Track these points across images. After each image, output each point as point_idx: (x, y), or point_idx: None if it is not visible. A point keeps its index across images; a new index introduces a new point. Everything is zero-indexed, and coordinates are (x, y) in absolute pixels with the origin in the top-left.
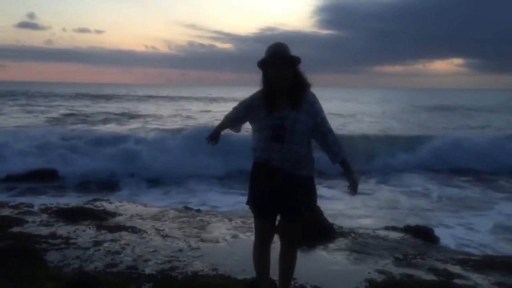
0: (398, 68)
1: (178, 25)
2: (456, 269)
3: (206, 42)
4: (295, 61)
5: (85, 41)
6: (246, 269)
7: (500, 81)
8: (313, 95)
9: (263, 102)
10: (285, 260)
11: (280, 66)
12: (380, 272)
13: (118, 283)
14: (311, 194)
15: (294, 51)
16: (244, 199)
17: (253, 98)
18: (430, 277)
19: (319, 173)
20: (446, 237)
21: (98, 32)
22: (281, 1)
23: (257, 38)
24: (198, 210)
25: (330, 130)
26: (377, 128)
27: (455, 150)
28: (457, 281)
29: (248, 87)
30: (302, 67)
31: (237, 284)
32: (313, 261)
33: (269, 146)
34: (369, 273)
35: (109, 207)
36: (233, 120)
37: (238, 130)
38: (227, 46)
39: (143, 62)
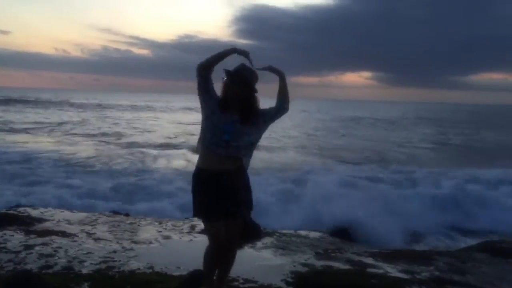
0: (312, 79)
1: (92, 28)
2: (369, 260)
3: (122, 47)
4: (254, 85)
5: None
6: (181, 267)
7: (403, 93)
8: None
9: (220, 104)
10: (227, 259)
11: (241, 89)
12: (303, 265)
13: (58, 282)
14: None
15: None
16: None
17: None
18: (347, 267)
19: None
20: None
21: (4, 32)
22: (199, 9)
23: (175, 45)
24: (127, 214)
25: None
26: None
27: None
28: (370, 269)
29: (166, 94)
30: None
31: (173, 280)
32: (243, 258)
33: (222, 145)
34: (294, 266)
35: (33, 213)
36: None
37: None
38: (144, 52)
39: (53, 66)
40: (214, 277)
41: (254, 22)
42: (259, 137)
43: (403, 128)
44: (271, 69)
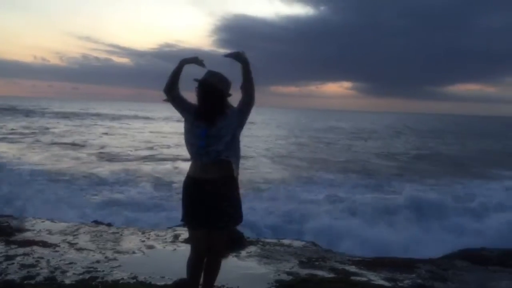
0: (292, 89)
1: (72, 36)
2: (352, 268)
3: (102, 55)
4: (221, 93)
5: None
6: (165, 276)
7: (383, 103)
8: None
9: (195, 111)
10: (211, 269)
11: (208, 94)
12: (288, 273)
13: None
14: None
15: (192, 69)
16: None
17: (190, 104)
18: (331, 275)
19: None
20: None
21: None
22: (180, 18)
23: (156, 54)
24: (109, 224)
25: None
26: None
27: None
28: (353, 278)
29: (146, 103)
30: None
31: None
32: (228, 267)
33: (201, 152)
34: (278, 275)
35: (13, 222)
36: (175, 88)
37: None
38: (124, 60)
39: (31, 74)
40: (200, 286)
41: (234, 32)
42: (235, 135)
43: (382, 138)
44: (236, 55)
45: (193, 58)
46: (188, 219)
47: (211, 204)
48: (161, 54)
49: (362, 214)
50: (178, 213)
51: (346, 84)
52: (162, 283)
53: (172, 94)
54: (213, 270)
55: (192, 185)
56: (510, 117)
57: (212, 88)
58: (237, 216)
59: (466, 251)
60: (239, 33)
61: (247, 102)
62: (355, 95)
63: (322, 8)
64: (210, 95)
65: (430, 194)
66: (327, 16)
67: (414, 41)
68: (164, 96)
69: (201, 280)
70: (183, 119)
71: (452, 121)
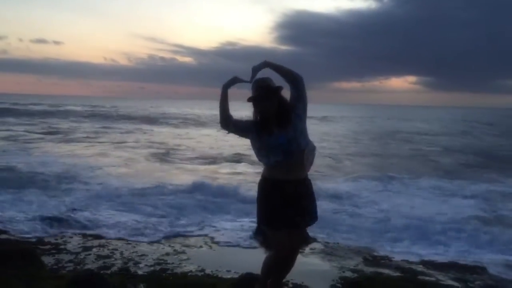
0: (355, 85)
1: (138, 37)
2: (420, 268)
3: (167, 55)
4: (277, 90)
5: (41, 52)
6: (231, 270)
7: (450, 98)
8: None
9: (262, 128)
10: (287, 264)
11: (265, 98)
12: (352, 271)
13: (115, 282)
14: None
15: (254, 65)
16: None
17: (248, 124)
18: (397, 274)
19: None
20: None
21: (56, 43)
22: (241, 16)
23: (218, 52)
24: None
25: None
26: None
27: None
28: (421, 277)
29: (208, 100)
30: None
31: (224, 282)
32: None
33: (283, 163)
34: (343, 272)
35: (89, 216)
36: (229, 117)
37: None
38: (187, 59)
39: (102, 74)
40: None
41: (295, 28)
42: (303, 123)
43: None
44: (263, 65)
45: (232, 80)
46: (269, 221)
47: (292, 203)
48: (223, 53)
49: None
50: None
51: (411, 79)
52: (229, 276)
53: (229, 126)
54: (289, 267)
55: (272, 185)
56: None
57: (266, 90)
58: (315, 213)
59: None
60: (300, 29)
61: (296, 84)
62: (420, 90)
63: (385, 1)
64: (267, 99)
65: None
66: (390, 9)
67: (480, 33)
68: (224, 130)
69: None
70: None
71: None
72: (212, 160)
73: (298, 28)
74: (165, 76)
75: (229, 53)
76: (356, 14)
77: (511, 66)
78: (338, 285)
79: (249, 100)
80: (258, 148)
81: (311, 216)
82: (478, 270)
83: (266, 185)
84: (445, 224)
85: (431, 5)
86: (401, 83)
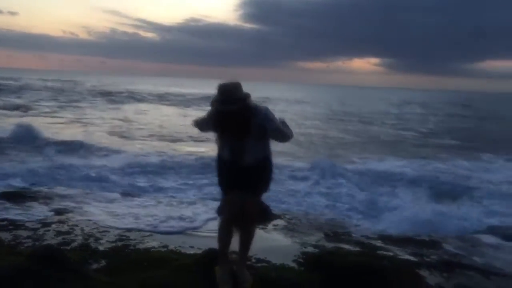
0: (319, 65)
1: (99, 10)
2: (378, 243)
3: (129, 30)
4: (243, 100)
5: None
6: (194, 246)
7: (411, 80)
8: (261, 113)
9: (215, 127)
10: (244, 239)
11: (229, 103)
12: (314, 246)
13: (76, 258)
14: (269, 174)
15: (218, 43)
16: None
17: (208, 119)
18: (357, 249)
19: None
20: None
21: (12, 13)
22: None
23: (182, 28)
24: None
25: (281, 133)
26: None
27: None
28: (380, 252)
29: (172, 77)
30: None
31: (188, 258)
32: (255, 239)
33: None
34: (304, 247)
35: (50, 191)
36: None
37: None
38: (150, 35)
39: (60, 48)
40: (233, 256)
41: (260, 6)
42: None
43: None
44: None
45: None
46: (222, 183)
47: (247, 175)
48: (187, 29)
49: None
50: None
51: (374, 60)
52: (192, 252)
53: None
54: (247, 240)
55: (229, 162)
56: None
57: (226, 96)
58: (269, 181)
59: (496, 228)
60: (265, 8)
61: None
62: (383, 71)
63: None
64: (225, 105)
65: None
66: None
67: (446, 16)
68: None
69: (237, 251)
70: None
71: (487, 100)
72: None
73: (263, 6)
74: (127, 52)
75: (193, 30)
76: None
77: (470, 51)
78: (300, 260)
79: (213, 103)
80: (219, 146)
81: (264, 181)
82: (433, 244)
83: (222, 161)
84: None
85: None
86: (364, 64)
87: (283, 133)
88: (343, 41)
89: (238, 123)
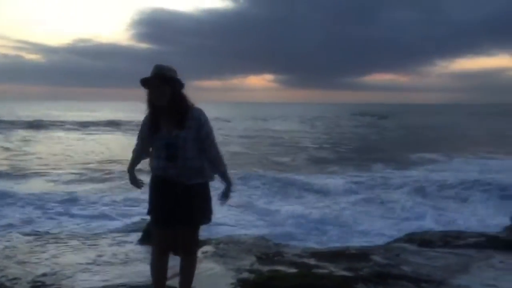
0: (216, 83)
1: None
2: (312, 261)
3: (10, 52)
4: (172, 81)
5: None
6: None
7: (305, 95)
8: (199, 110)
9: (151, 123)
10: (185, 268)
11: (157, 85)
12: (249, 271)
13: None
14: (207, 201)
15: (110, 64)
16: None
17: (143, 124)
18: (293, 270)
19: None
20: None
21: None
22: (95, 12)
23: (70, 49)
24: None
25: (212, 145)
26: None
27: None
28: (315, 270)
29: (62, 101)
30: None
31: None
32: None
33: (165, 165)
34: (240, 273)
35: None
36: (141, 150)
37: (148, 156)
38: (35, 57)
39: None
40: None
41: (153, 26)
42: (201, 139)
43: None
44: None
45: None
46: (157, 217)
47: (181, 202)
48: (76, 50)
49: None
50: None
51: (268, 77)
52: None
53: (147, 152)
54: (188, 270)
55: (162, 186)
56: (420, 104)
57: (161, 76)
58: (209, 212)
59: (412, 235)
60: (158, 27)
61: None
62: (277, 88)
63: (241, 1)
64: (159, 85)
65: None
66: (246, 10)
67: (329, 34)
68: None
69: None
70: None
71: (368, 110)
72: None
73: (156, 26)
74: (9, 75)
75: (82, 50)
76: (214, 13)
77: (355, 64)
78: (238, 287)
79: (142, 81)
80: (151, 142)
81: (203, 213)
82: (363, 257)
83: (154, 180)
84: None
85: (285, 6)
86: (259, 81)
87: (215, 145)
88: (237, 59)
89: (173, 105)
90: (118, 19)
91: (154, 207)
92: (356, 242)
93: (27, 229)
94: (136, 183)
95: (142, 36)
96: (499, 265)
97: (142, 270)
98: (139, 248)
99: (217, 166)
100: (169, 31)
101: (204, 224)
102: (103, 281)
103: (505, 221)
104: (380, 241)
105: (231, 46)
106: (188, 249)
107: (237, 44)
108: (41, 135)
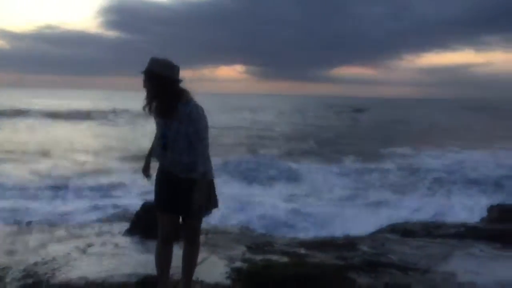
0: (185, 73)
1: None
2: (302, 251)
3: None
4: (159, 78)
5: None
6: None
7: (276, 86)
8: (195, 106)
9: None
10: (187, 257)
11: (144, 80)
12: (243, 260)
13: None
14: (207, 196)
15: (77, 52)
16: None
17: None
18: (286, 259)
19: None
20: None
21: None
22: None
23: (36, 36)
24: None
25: (200, 143)
26: None
27: None
28: (307, 259)
29: (29, 88)
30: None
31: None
32: (180, 259)
33: (161, 153)
34: (234, 262)
35: None
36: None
37: None
38: None
39: None
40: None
41: (123, 14)
42: (188, 134)
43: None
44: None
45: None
46: (161, 204)
47: (178, 191)
48: (42, 37)
49: None
50: None
51: (239, 68)
52: (123, 280)
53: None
54: (189, 260)
55: (163, 175)
56: (389, 98)
57: (148, 70)
58: (211, 205)
59: (393, 226)
60: (129, 15)
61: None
62: (248, 79)
63: None
64: (148, 79)
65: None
66: (222, 1)
67: (301, 27)
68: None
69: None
70: None
71: (333, 103)
72: None
73: (126, 13)
74: None
75: (49, 37)
76: (186, 3)
77: (326, 58)
78: (233, 276)
79: (142, 72)
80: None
81: (189, 209)
82: (351, 246)
83: (158, 171)
84: None
85: (260, 0)
86: (231, 72)
87: (204, 145)
88: (209, 49)
89: (160, 100)
90: (86, 6)
91: (157, 193)
92: (327, 232)
93: (10, 218)
94: (145, 172)
95: (111, 24)
96: (480, 253)
97: (134, 261)
98: (128, 238)
99: (197, 165)
100: (139, 20)
101: (203, 216)
102: (97, 272)
103: (475, 213)
104: (355, 231)
105: (203, 36)
106: (190, 238)
107: (208, 34)
108: (13, 123)
